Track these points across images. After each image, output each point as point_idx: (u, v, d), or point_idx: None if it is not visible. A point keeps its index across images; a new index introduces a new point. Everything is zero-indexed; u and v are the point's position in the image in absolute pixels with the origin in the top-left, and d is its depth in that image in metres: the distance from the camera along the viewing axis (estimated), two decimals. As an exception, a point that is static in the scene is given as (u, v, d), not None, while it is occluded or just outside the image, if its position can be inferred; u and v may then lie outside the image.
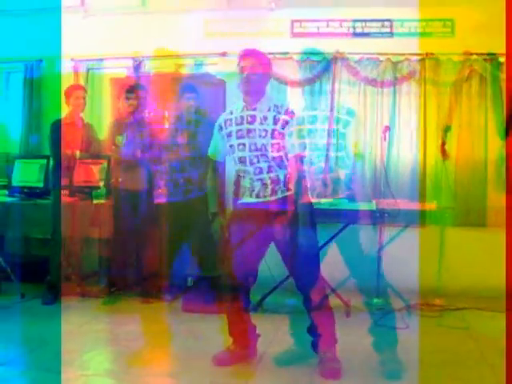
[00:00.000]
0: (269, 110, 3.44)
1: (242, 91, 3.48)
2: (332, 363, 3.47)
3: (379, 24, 5.25)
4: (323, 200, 4.45)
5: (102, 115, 5.46)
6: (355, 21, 5.29)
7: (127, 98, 5.04)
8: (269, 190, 3.46)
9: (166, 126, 5.11)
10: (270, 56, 4.91)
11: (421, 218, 4.70)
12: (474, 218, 5.22)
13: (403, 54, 5.13)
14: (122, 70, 5.47)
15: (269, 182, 3.45)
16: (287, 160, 3.45)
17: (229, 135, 3.51)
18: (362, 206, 4.58)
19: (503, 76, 5.10)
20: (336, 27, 5.31)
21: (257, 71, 3.44)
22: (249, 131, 3.44)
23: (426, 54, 5.15)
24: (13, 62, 5.82)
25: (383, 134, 4.64)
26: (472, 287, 4.91)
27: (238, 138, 3.47)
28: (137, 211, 4.96)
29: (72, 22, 5.53)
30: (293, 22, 5.35)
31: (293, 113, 3.47)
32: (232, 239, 3.57)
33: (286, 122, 3.42)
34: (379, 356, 3.65)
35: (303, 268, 3.46)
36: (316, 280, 3.49)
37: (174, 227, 4.83)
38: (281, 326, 4.11)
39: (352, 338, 3.95)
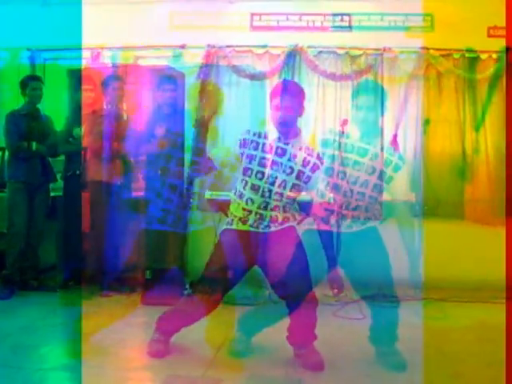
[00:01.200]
0: (300, 149, 3.43)
1: (276, 126, 3.42)
2: (315, 355, 3.55)
3: (338, 18, 5.30)
4: None
5: (59, 107, 5.40)
6: (314, 14, 5.31)
7: (86, 90, 5.01)
8: (262, 223, 3.44)
9: (125, 117, 5.11)
10: (229, 49, 5.12)
11: (397, 211, 4.72)
12: (452, 211, 5.25)
13: (361, 49, 5.18)
14: (80, 61, 5.33)
15: (267, 219, 3.42)
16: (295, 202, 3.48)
17: (249, 158, 3.43)
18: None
19: (459, 71, 5.23)
20: (295, 21, 5.33)
21: (294, 109, 3.39)
22: (274, 163, 3.40)
23: (384, 49, 5.19)
24: None
25: (341, 127, 4.54)
26: (445, 278, 4.94)
27: (260, 165, 3.41)
28: (98, 203, 4.91)
29: (30, 12, 5.47)
30: (252, 15, 5.35)
31: (322, 158, 3.49)
32: (217, 260, 3.53)
33: (317, 167, 3.44)
34: (338, 346, 3.79)
35: (294, 290, 3.47)
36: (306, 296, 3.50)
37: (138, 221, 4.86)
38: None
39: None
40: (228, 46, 5.06)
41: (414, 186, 5.07)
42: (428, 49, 5.19)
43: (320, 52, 5.18)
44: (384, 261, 3.61)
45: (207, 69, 5.05)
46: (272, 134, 3.45)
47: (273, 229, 3.44)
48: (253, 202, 3.42)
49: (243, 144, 3.45)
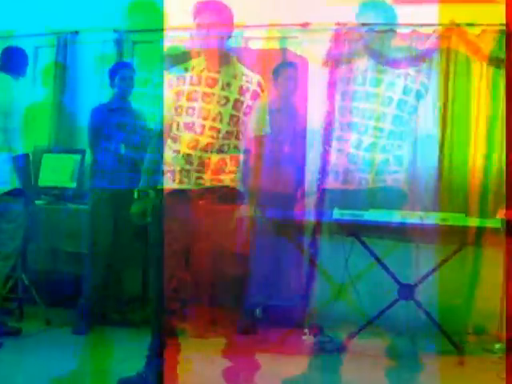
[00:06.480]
0: (235, 77, 3.36)
1: (202, 51, 3.41)
2: None
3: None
4: (430, 214, 4.12)
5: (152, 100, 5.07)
6: None
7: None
8: (192, 175, 3.33)
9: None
10: (361, 28, 4.55)
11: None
12: None
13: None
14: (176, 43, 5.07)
15: (195, 161, 3.32)
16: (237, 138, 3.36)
17: (179, 94, 3.39)
18: (484, 223, 4.13)
19: None
20: (450, -9, 4.79)
21: (215, 27, 3.34)
22: (205, 95, 3.33)
23: None
24: (43, 34, 5.51)
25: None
26: None
27: (190, 100, 3.35)
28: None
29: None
30: None
31: (263, 86, 3.41)
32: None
33: (257, 95, 3.37)
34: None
35: None
36: None
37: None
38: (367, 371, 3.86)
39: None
40: (363, 25, 4.45)
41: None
42: None
43: (484, 31, 4.62)
44: None
45: (336, 53, 4.54)
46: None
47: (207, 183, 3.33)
48: (177, 142, 3.36)
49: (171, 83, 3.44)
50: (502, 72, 4.60)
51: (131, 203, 4.53)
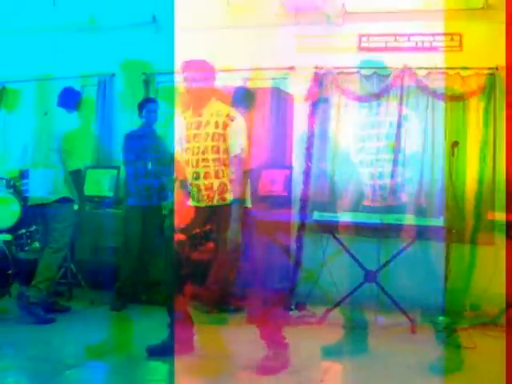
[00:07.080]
0: (212, 114, 3.85)
1: (190, 99, 3.92)
2: (265, 360, 3.81)
3: (448, 38, 5.35)
4: (389, 216, 4.65)
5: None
6: (423, 35, 5.42)
7: None
8: (204, 196, 3.87)
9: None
10: (336, 71, 5.35)
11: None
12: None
13: (472, 68, 5.22)
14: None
15: (203, 188, 3.84)
16: (225, 164, 3.82)
17: (181, 139, 3.97)
18: (429, 222, 4.75)
19: None
20: (404, 41, 5.45)
21: (198, 82, 3.84)
22: (194, 136, 3.87)
23: (497, 68, 5.21)
24: (87, 76, 6.25)
25: (451, 149, 4.82)
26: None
27: (187, 142, 3.91)
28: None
29: (144, 37, 6.00)
30: (360, 36, 5.52)
31: (232, 117, 3.84)
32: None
33: (227, 125, 3.81)
34: (444, 375, 3.80)
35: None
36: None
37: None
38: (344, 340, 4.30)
39: (417, 356, 4.16)
40: (336, 68, 5.27)
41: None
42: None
43: (429, 72, 5.26)
44: None
45: (316, 91, 5.32)
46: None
47: (209, 202, 3.84)
48: (187, 175, 3.88)
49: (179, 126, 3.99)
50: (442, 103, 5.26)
51: (156, 209, 5.28)
